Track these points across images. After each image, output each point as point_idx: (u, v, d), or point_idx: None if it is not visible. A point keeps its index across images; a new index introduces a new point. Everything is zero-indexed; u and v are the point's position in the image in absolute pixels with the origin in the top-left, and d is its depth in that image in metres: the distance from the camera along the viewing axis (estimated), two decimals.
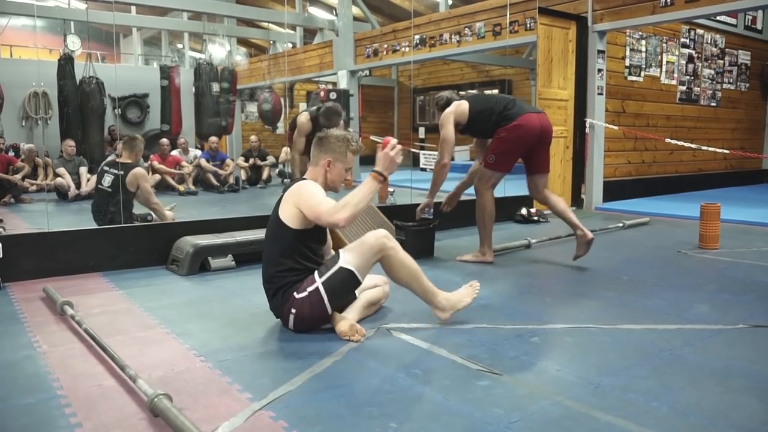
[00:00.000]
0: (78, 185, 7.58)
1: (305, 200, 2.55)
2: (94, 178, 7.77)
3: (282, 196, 2.68)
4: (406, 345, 2.48)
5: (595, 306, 3.06)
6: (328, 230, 2.83)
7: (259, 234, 4.09)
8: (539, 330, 2.66)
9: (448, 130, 3.99)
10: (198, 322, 2.79)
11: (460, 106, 4.06)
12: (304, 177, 2.75)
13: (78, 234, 3.88)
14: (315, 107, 5.63)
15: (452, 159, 4.08)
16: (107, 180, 4.89)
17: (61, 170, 7.53)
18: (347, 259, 2.55)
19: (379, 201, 5.84)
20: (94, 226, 4.69)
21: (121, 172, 4.77)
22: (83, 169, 7.72)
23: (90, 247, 3.83)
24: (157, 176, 7.88)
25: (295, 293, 2.56)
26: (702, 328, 2.67)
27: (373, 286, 2.85)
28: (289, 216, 2.59)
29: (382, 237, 2.57)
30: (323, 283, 2.54)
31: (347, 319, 2.58)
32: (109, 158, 5.49)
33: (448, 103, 4.15)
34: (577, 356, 2.38)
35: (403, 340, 2.53)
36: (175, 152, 8.74)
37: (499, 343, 2.52)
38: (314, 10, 13.99)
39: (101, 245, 3.87)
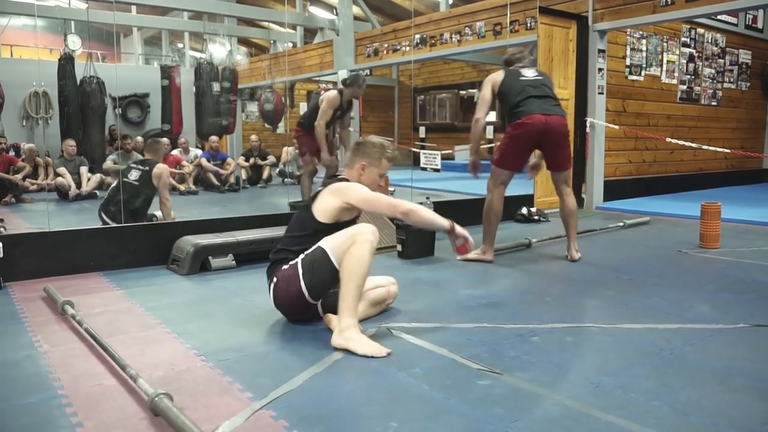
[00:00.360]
0: (78, 185, 7.59)
1: (355, 192, 2.63)
2: (94, 177, 7.82)
3: (319, 191, 2.74)
4: (406, 344, 2.48)
5: (595, 305, 3.06)
6: None
7: (259, 234, 4.10)
8: (540, 329, 2.66)
9: (484, 93, 4.17)
10: (198, 322, 2.79)
11: (498, 75, 4.20)
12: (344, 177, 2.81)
13: (79, 234, 3.89)
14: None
15: (485, 116, 4.22)
16: (134, 175, 5.10)
17: (62, 170, 7.54)
18: (326, 240, 2.57)
19: None
20: (95, 225, 4.69)
21: (146, 168, 5.06)
22: (84, 169, 7.73)
23: (91, 247, 3.83)
24: None
25: (282, 266, 2.64)
26: (702, 327, 2.67)
27: (375, 287, 2.84)
28: (324, 209, 2.64)
29: (362, 227, 2.54)
30: (302, 259, 2.59)
31: (360, 339, 2.40)
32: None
33: (505, 62, 4.37)
34: (577, 356, 2.38)
35: (404, 339, 2.53)
36: (175, 152, 8.75)
37: (500, 342, 2.52)
38: (315, 10, 13.98)
39: (102, 245, 3.87)
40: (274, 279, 2.67)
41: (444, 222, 2.73)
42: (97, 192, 7.89)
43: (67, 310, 2.83)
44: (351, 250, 2.46)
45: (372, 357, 2.28)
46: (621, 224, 5.52)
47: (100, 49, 10.68)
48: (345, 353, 2.34)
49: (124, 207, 4.86)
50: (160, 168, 5.13)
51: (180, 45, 15.94)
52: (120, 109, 9.84)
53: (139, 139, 9.01)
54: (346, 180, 2.78)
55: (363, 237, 2.47)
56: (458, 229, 2.72)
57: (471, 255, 4.02)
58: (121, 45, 15.80)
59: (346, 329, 2.40)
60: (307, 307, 2.65)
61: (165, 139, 8.57)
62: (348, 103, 6.03)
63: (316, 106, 5.91)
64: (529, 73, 4.21)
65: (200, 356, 2.34)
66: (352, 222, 2.71)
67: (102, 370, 2.21)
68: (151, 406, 1.81)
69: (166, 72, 9.70)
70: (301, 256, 2.61)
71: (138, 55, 15.49)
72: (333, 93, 5.94)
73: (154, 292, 3.36)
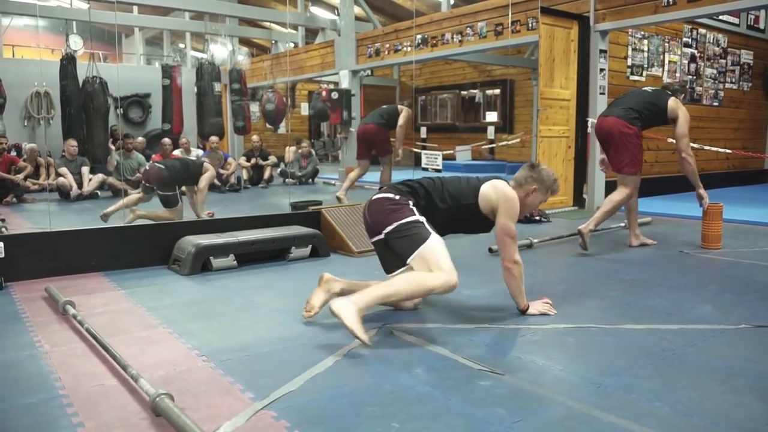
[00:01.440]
0: (80, 185, 7.59)
1: (508, 209, 2.75)
2: (96, 178, 7.83)
3: (488, 179, 2.83)
4: (408, 345, 2.47)
5: (597, 306, 3.05)
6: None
7: (261, 234, 4.10)
8: (541, 330, 2.66)
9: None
10: (200, 322, 2.79)
11: None
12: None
13: (80, 234, 3.89)
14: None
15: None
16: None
17: (63, 170, 7.55)
18: (435, 239, 2.62)
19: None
20: (96, 225, 4.69)
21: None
22: (85, 169, 7.74)
23: (92, 247, 3.84)
24: None
25: (398, 197, 2.73)
26: (704, 328, 2.67)
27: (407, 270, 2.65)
28: (486, 199, 2.76)
29: (454, 273, 2.57)
30: (410, 220, 2.64)
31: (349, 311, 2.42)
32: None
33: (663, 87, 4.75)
34: (579, 356, 2.38)
35: (405, 339, 2.53)
36: (177, 152, 8.74)
37: (501, 343, 2.52)
38: (316, 10, 14.00)
39: (103, 245, 3.88)
40: (388, 196, 2.72)
41: (521, 302, 2.86)
42: (99, 192, 7.90)
43: (68, 310, 2.83)
44: (426, 271, 2.54)
45: (355, 336, 2.34)
46: (622, 225, 5.51)
47: (102, 50, 10.70)
48: (347, 352, 2.34)
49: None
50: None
51: (181, 45, 15.97)
52: (121, 109, 9.85)
53: (141, 139, 9.02)
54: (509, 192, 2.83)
55: (444, 278, 2.52)
56: (531, 311, 2.85)
57: (636, 242, 4.61)
58: (122, 45, 15.82)
59: (354, 305, 2.41)
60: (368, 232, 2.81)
61: (167, 139, 8.60)
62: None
63: (396, 111, 6.96)
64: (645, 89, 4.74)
65: (201, 356, 2.34)
66: (489, 224, 2.86)
67: (103, 370, 2.21)
68: (153, 406, 1.81)
69: (168, 72, 9.70)
70: (416, 216, 2.64)
71: (139, 55, 15.51)
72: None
73: (156, 292, 3.36)
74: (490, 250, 4.25)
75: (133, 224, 4.77)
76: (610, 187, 6.95)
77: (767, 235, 5.08)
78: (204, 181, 5.70)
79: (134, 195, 5.60)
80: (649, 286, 3.45)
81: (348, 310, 2.39)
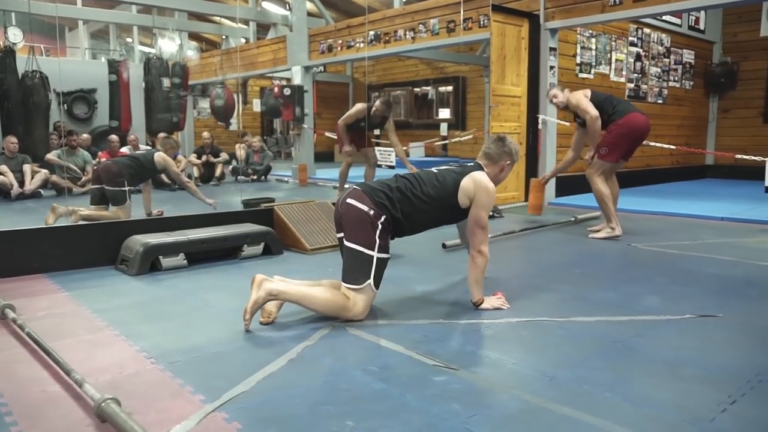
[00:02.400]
0: (21, 184, 7.30)
1: (485, 201, 2.83)
2: (38, 176, 7.54)
3: (464, 170, 2.89)
4: (362, 342, 2.45)
5: (549, 299, 3.09)
6: None
7: (212, 232, 4.02)
8: (495, 324, 2.68)
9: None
10: (149, 324, 2.71)
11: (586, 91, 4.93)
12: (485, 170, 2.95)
13: (20, 234, 3.72)
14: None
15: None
16: None
17: (3, 168, 7.24)
18: (371, 270, 2.70)
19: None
20: (38, 225, 4.51)
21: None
22: (27, 167, 7.44)
23: (34, 248, 3.68)
24: None
25: (367, 206, 2.71)
26: (653, 319, 2.73)
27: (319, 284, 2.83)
28: (466, 192, 2.82)
29: (367, 306, 2.70)
30: (379, 231, 2.70)
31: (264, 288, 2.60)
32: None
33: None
34: (533, 350, 2.40)
35: (359, 337, 2.51)
36: (124, 149, 8.50)
37: (456, 338, 2.53)
38: (267, 5, 13.80)
39: (46, 245, 3.72)
40: (364, 209, 2.70)
41: (477, 294, 2.89)
42: (42, 191, 7.62)
43: (7, 314, 2.70)
44: (341, 295, 2.66)
45: (245, 312, 2.54)
46: (572, 219, 5.63)
47: (43, 43, 10.31)
48: (300, 352, 2.31)
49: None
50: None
51: (128, 39, 15.53)
52: (65, 105, 9.52)
53: (85, 136, 8.74)
54: (480, 169, 2.93)
55: (352, 316, 2.64)
56: (485, 306, 2.88)
57: (603, 234, 4.81)
58: (65, 39, 15.30)
59: (271, 294, 2.59)
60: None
61: (114, 136, 8.35)
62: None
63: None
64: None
65: (150, 359, 2.27)
66: (463, 213, 2.90)
67: (46, 375, 2.12)
68: (98, 411, 1.74)
69: (114, 67, 9.40)
70: (373, 252, 2.66)
71: (84, 49, 15.02)
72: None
73: (103, 293, 3.25)
74: (444, 246, 4.26)
75: (78, 224, 4.60)
76: (561, 184, 7.09)
77: (710, 228, 5.25)
78: (175, 175, 5.74)
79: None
80: (599, 279, 3.52)
81: (263, 287, 2.57)
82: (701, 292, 3.20)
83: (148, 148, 8.95)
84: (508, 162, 2.97)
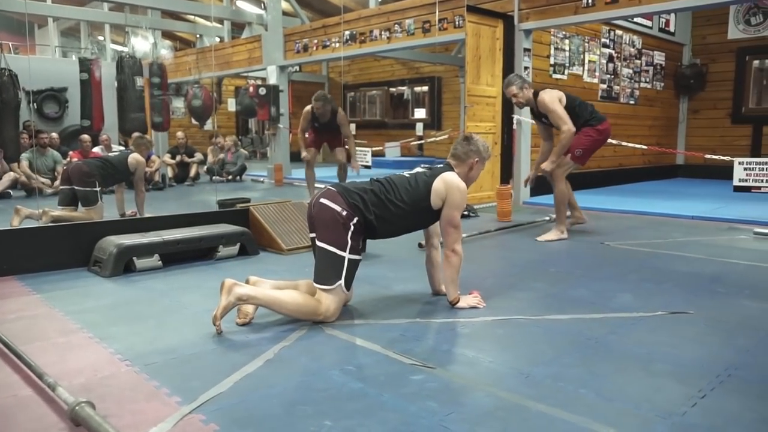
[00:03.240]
0: None
1: (457, 201, 2.83)
2: (6, 176, 7.41)
3: (434, 173, 2.89)
4: (339, 341, 2.46)
5: (524, 298, 3.13)
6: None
7: (187, 233, 3.98)
8: (471, 323, 2.70)
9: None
10: (123, 325, 2.68)
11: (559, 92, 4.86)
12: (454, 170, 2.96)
13: None
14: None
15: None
16: None
17: None
18: (342, 270, 2.69)
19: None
20: (6, 227, 4.44)
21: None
22: None
23: (4, 250, 3.61)
24: None
25: (342, 211, 2.69)
26: (625, 316, 2.78)
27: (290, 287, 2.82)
28: (438, 194, 2.82)
29: (337, 308, 2.69)
30: (351, 233, 2.70)
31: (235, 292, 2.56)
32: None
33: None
34: (508, 348, 2.43)
35: (336, 336, 2.51)
36: (97, 149, 8.37)
37: (433, 337, 2.54)
38: (242, 4, 13.71)
39: (17, 247, 3.66)
40: (337, 210, 2.68)
41: (453, 292, 2.91)
42: (11, 192, 7.48)
43: None
44: (311, 297, 2.66)
45: (215, 318, 2.51)
46: (547, 218, 5.69)
47: (12, 40, 10.13)
48: (277, 352, 2.30)
49: None
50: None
51: (100, 37, 15.31)
52: (35, 104, 9.35)
53: (54, 135, 8.60)
54: (450, 169, 2.93)
55: (323, 318, 2.63)
56: (461, 305, 2.90)
57: (553, 236, 4.76)
58: (35, 36, 15.02)
59: (241, 299, 2.56)
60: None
61: (85, 136, 8.22)
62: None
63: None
64: None
65: (125, 361, 2.24)
66: (435, 216, 2.90)
67: (17, 379, 2.09)
68: (72, 415, 1.72)
69: (86, 65, 9.25)
70: (345, 253, 2.65)
71: (54, 47, 14.76)
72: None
73: (76, 295, 3.20)
74: (420, 246, 4.28)
75: (49, 225, 4.53)
76: (536, 183, 7.15)
77: (680, 227, 5.35)
78: (139, 179, 5.57)
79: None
80: (573, 277, 3.56)
81: (232, 293, 2.53)
82: (672, 290, 3.26)
83: (122, 148, 8.86)
84: (477, 159, 2.98)
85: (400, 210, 2.80)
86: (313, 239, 2.77)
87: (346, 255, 2.66)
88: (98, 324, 2.68)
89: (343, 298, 2.71)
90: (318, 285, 2.66)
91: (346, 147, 6.72)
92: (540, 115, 4.88)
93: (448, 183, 2.84)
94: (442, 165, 3.00)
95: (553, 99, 4.71)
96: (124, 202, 5.84)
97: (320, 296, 2.65)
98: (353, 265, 2.70)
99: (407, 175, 2.93)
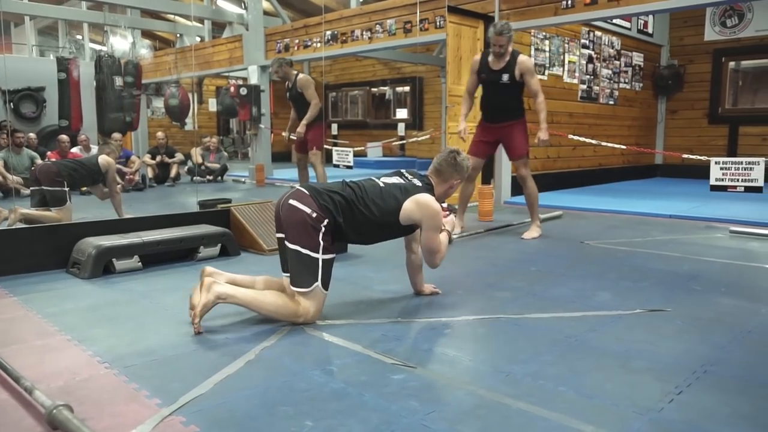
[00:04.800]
0: None
1: (433, 225, 2.85)
2: None
3: (408, 191, 2.85)
4: (320, 341, 2.46)
5: (505, 297, 3.15)
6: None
7: (167, 234, 3.95)
8: (452, 322, 2.71)
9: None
10: (103, 327, 2.65)
11: None
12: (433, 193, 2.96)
13: None
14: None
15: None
16: None
17: None
18: (320, 270, 2.67)
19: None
20: None
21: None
22: None
23: None
24: None
25: (312, 213, 2.65)
26: (604, 314, 2.81)
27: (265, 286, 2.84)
28: (409, 216, 2.81)
29: (316, 310, 2.68)
30: (322, 233, 2.66)
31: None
32: None
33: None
34: (488, 346, 2.45)
35: (317, 337, 2.51)
36: (75, 149, 8.28)
37: (414, 336, 2.55)
38: (223, 3, 13.63)
39: None
40: (307, 211, 2.64)
41: (446, 236, 3.06)
42: None
43: None
44: (291, 301, 2.63)
45: (194, 317, 2.54)
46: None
47: None
48: (258, 353, 2.30)
49: None
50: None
51: (78, 36, 15.13)
52: (12, 104, 9.22)
53: (32, 135, 8.49)
54: (428, 187, 2.94)
55: (304, 320, 2.63)
56: (450, 226, 3.12)
57: (536, 234, 4.86)
58: (11, 35, 14.81)
59: (220, 298, 2.57)
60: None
61: (64, 136, 8.13)
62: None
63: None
64: None
65: (104, 363, 2.22)
66: (405, 230, 2.93)
67: None
68: (49, 419, 1.70)
69: (63, 65, 9.16)
70: (318, 254, 2.63)
71: (31, 46, 14.57)
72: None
73: (54, 297, 3.16)
74: None
75: (27, 226, 4.47)
76: (516, 183, 7.20)
77: (659, 226, 5.42)
78: (112, 180, 5.52)
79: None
80: (553, 276, 3.59)
81: (212, 291, 2.55)
82: (650, 288, 3.30)
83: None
84: (458, 180, 3.02)
85: (367, 220, 2.75)
86: (280, 239, 2.73)
87: (320, 256, 2.63)
88: (77, 326, 2.66)
89: (322, 299, 2.69)
90: (295, 288, 2.64)
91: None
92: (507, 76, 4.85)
93: (421, 206, 2.80)
94: (421, 180, 2.97)
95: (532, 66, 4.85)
96: (121, 205, 5.71)
97: (299, 299, 2.64)
98: (328, 264, 2.68)
99: (381, 185, 2.87)
